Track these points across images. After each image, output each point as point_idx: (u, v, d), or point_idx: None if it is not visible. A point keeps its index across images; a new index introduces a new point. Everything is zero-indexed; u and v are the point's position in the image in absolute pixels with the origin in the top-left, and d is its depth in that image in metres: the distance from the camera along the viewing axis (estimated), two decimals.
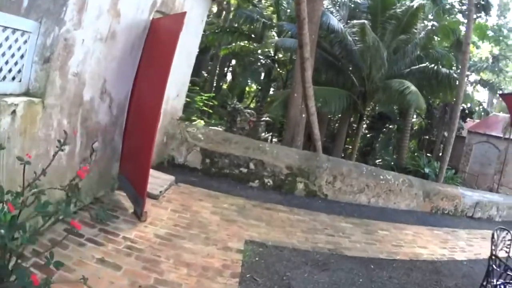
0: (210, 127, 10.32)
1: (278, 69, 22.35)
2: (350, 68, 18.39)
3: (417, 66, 18.13)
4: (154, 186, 7.10)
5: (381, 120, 28.23)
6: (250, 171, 9.38)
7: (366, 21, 16.21)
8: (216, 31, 19.20)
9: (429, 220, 10.03)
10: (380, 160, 26.61)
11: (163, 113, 8.40)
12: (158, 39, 6.39)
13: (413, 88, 15.40)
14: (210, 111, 23.66)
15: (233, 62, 33.56)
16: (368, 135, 30.46)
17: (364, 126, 26.63)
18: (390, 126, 30.54)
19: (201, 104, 24.30)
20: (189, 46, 9.36)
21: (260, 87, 31.04)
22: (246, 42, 20.76)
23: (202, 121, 17.49)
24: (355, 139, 20.54)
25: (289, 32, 19.43)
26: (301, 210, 8.23)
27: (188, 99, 24.07)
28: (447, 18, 20.92)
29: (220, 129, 16.52)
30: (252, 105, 35.75)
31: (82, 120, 5.51)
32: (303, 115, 12.33)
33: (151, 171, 7.37)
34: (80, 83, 5.23)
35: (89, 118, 5.68)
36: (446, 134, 22.52)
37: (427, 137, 30.93)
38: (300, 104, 12.28)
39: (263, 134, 23.93)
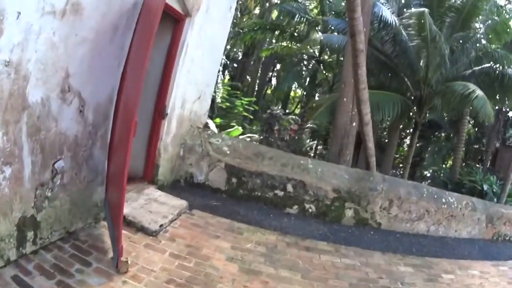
0: (240, 137, 8.15)
1: (324, 72, 20.07)
2: (404, 69, 15.83)
3: (480, 67, 15.47)
4: (155, 216, 5.40)
5: (431, 128, 25.33)
6: (288, 195, 7.39)
7: (426, 9, 13.58)
8: (255, 28, 17.04)
9: (492, 251, 8.03)
10: (429, 172, 23.75)
11: (179, 120, 6.77)
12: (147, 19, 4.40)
13: (479, 92, 13.01)
14: (251, 116, 21.72)
15: (278, 66, 31.45)
16: (417, 144, 27.54)
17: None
18: (438, 135, 27.61)
19: (241, 109, 22.49)
20: (213, 37, 7.50)
21: (304, 92, 28.83)
22: (288, 42, 18.51)
23: (240, 128, 15.41)
24: (409, 150, 17.82)
25: (335, 30, 17.11)
26: (349, 249, 6.22)
27: (228, 104, 22.38)
28: (499, 14, 17.71)
29: (254, 138, 14.35)
30: (296, 111, 33.58)
31: (31, 131, 3.75)
32: (353, 124, 10.11)
33: (158, 195, 6.07)
34: (19, 76, 3.34)
35: (43, 127, 3.92)
36: (497, 144, 19.63)
37: (476, 146, 27.72)
38: (350, 111, 10.06)
39: (308, 141, 21.77)
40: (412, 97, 15.97)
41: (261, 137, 11.07)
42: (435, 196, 8.14)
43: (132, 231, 5.07)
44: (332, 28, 17.72)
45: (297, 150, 12.94)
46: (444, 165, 24.85)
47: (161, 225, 5.22)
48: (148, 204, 5.72)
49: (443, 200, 8.15)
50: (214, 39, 7.54)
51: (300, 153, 13.51)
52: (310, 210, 7.38)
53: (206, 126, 8.20)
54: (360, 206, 7.53)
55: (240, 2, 24.59)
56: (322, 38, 17.24)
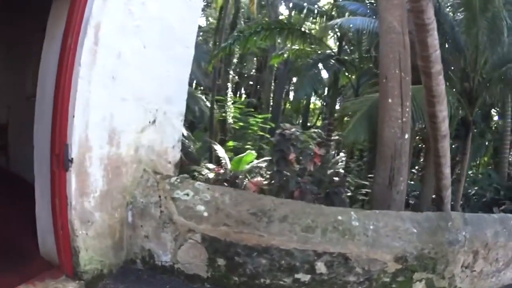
0: (224, 188, 4.43)
1: (347, 74, 16.29)
2: (446, 55, 11.72)
3: None
4: None
5: (464, 125, 20.92)
6: (319, 279, 4.02)
7: None
8: (257, 30, 13.38)
9: None
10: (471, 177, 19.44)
11: (108, 165, 3.85)
12: None
13: None
14: (268, 135, 18.40)
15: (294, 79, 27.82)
16: (452, 146, 23.12)
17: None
18: (473, 132, 23.24)
19: (257, 128, 19.07)
20: (164, 18, 4.34)
21: (324, 101, 25.17)
22: (299, 42, 14.84)
23: (253, 152, 11.93)
24: (462, 161, 13.52)
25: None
26: None
27: (242, 123, 18.98)
28: None
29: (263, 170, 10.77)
30: (318, 123, 29.86)
31: None
32: (406, 136, 6.25)
33: None
34: None
35: None
36: None
37: None
38: (400, 116, 6.16)
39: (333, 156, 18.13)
40: (460, 89, 12.04)
41: (271, 172, 7.31)
42: None
43: None
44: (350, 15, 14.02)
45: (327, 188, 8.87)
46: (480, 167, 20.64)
47: None
48: None
49: None
50: (168, 22, 4.34)
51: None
52: None
53: (177, 166, 4.76)
54: (435, 273, 4.32)
55: (243, 10, 21.11)
56: (341, 22, 13.39)
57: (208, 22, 25.47)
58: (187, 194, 4.17)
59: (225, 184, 8.65)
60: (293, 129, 6.87)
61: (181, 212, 4.05)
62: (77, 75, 3.36)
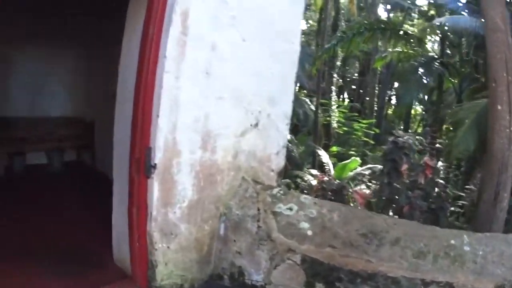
0: (333, 203, 3.40)
1: (449, 78, 14.26)
2: None
3: None
4: None
5: None
6: None
7: None
8: (361, 30, 12.00)
9: None
10: None
11: (199, 173, 3.08)
12: None
13: None
14: (372, 142, 16.93)
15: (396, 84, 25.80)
16: None
17: None
18: None
19: (361, 133, 17.66)
20: (265, 7, 3.46)
21: (424, 107, 22.99)
22: (402, 44, 13.16)
23: (357, 159, 10.78)
24: None
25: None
26: None
27: (346, 128, 17.66)
28: None
29: (377, 169, 9.44)
30: (419, 130, 27.49)
31: None
32: None
33: None
34: None
35: None
36: None
37: None
38: (508, 125, 4.79)
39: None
40: None
41: (380, 183, 6.17)
42: None
43: None
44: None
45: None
46: None
47: None
48: None
49: None
50: (267, 14, 3.49)
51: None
52: None
53: (280, 175, 3.92)
54: None
55: (343, 11, 19.61)
56: (443, 22, 11.64)
57: (308, 25, 24.16)
58: (290, 209, 3.31)
59: (330, 194, 7.61)
60: (406, 137, 5.68)
61: (282, 229, 3.22)
62: (162, 69, 2.65)
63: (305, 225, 3.20)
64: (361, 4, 20.54)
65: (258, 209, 3.33)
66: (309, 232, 3.16)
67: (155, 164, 2.71)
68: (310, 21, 23.68)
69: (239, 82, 3.24)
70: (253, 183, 3.55)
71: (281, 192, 3.51)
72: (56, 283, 3.01)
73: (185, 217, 3.04)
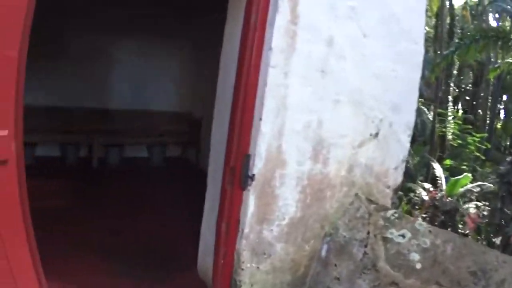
0: (448, 233, 2.46)
1: None
2: None
3: None
4: None
5: None
6: None
7: None
8: (476, 38, 10.23)
9: None
10: None
11: (306, 187, 2.32)
12: None
13: None
14: (483, 157, 14.88)
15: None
16: None
17: None
18: None
19: (474, 148, 15.53)
20: (388, 3, 2.61)
21: None
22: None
23: (469, 175, 9.33)
24: None
25: None
26: None
27: (460, 141, 15.66)
28: None
29: (486, 187, 7.92)
30: None
31: None
32: None
33: None
34: None
35: None
36: None
37: None
38: None
39: None
40: None
41: (492, 209, 5.00)
42: None
43: None
44: None
45: None
46: None
47: None
48: None
49: None
50: (390, 9, 2.70)
51: None
52: None
53: (396, 192, 3.06)
54: None
55: (457, 17, 17.34)
56: None
57: (425, 31, 21.78)
58: (403, 236, 2.54)
59: (439, 212, 6.49)
60: None
61: (390, 259, 2.49)
62: (267, 63, 2.03)
63: (415, 256, 2.42)
64: (473, 12, 18.13)
65: (368, 233, 2.62)
66: (418, 265, 2.40)
67: (253, 174, 2.11)
68: (427, 27, 21.45)
69: (359, 84, 2.51)
70: (366, 202, 2.80)
71: (396, 215, 2.73)
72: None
73: (283, 236, 2.40)
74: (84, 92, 5.45)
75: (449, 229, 6.10)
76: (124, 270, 2.74)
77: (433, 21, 16.51)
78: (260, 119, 2.05)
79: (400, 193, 7.22)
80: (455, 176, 9.42)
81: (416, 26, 2.87)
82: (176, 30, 5.57)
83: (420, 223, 2.73)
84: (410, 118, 2.98)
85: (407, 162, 10.46)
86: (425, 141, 15.15)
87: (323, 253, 2.70)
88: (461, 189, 8.90)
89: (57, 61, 5.14)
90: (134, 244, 3.18)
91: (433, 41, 16.84)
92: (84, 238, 3.09)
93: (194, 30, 5.66)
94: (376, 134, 2.76)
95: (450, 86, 16.76)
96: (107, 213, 3.71)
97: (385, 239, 2.52)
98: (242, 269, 2.29)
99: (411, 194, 8.48)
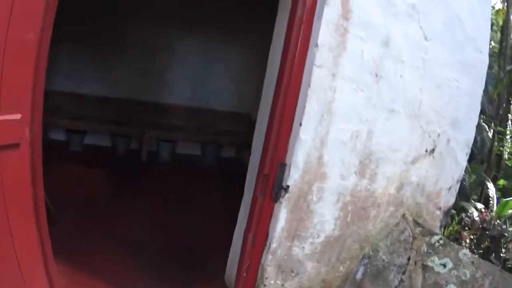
0: (490, 266, 1.90)
1: None
2: None
3: None
4: None
5: None
6: None
7: None
8: None
9: None
10: None
11: (347, 203, 1.81)
12: None
13: None
14: None
15: None
16: None
17: None
18: None
19: None
20: (451, 4, 2.05)
21: None
22: None
23: None
24: None
25: None
26: None
27: None
28: None
29: None
30: None
31: None
32: None
33: None
34: None
35: None
36: None
37: None
38: None
39: None
40: None
41: None
42: None
43: None
44: None
45: None
46: None
47: None
48: None
49: None
50: (454, 11, 2.13)
51: None
52: None
53: (446, 214, 2.50)
54: None
55: None
56: None
57: (491, 46, 19.84)
58: (444, 265, 2.13)
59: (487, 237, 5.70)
60: None
61: None
62: (312, 61, 1.59)
63: None
64: None
65: (408, 259, 2.20)
66: None
67: (288, 186, 1.70)
68: (492, 42, 19.59)
69: (417, 93, 2.03)
70: (413, 224, 2.34)
71: (441, 241, 2.26)
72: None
73: (315, 254, 1.98)
74: (141, 85, 5.10)
75: (493, 254, 5.34)
76: (148, 269, 2.42)
77: (498, 35, 15.09)
78: (300, 124, 1.64)
79: (453, 211, 6.50)
80: (507, 197, 8.46)
81: (481, 33, 2.34)
82: (241, 29, 5.00)
83: (464, 252, 2.24)
84: (469, 135, 2.46)
85: (463, 180, 9.57)
86: (483, 159, 13.80)
87: (359, 275, 2.25)
88: (510, 211, 7.99)
89: (117, 53, 4.85)
90: (166, 242, 2.84)
91: (498, 56, 15.34)
92: (115, 231, 2.79)
93: (259, 29, 4.97)
94: (432, 151, 2.26)
95: (510, 104, 15.23)
96: (146, 208, 3.36)
97: (425, 267, 2.11)
98: (265, 285, 1.89)
99: (463, 214, 7.63)
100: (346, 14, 1.70)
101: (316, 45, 1.63)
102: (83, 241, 2.57)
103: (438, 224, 2.59)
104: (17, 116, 1.33)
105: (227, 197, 3.36)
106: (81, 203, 3.15)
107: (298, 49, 1.62)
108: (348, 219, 1.99)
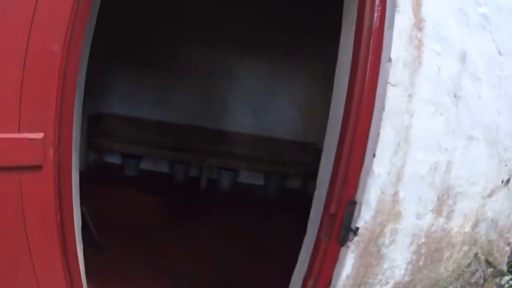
0: None
1: None
2: None
3: None
4: None
5: None
6: None
7: None
8: None
9: None
10: None
11: (421, 245, 1.16)
12: None
13: None
14: None
15: None
16: None
17: None
18: None
19: None
20: None
21: None
22: None
23: None
24: None
25: None
26: None
27: None
28: None
29: None
30: None
31: None
32: None
33: None
34: None
35: None
36: None
37: None
38: None
39: None
40: None
41: None
42: None
43: None
44: None
45: None
46: None
47: None
48: None
49: None
50: None
51: None
52: None
53: None
54: None
55: None
56: None
57: None
58: None
59: None
60: None
61: None
62: (385, 79, 1.14)
63: None
64: None
65: None
66: None
67: (357, 228, 1.24)
68: None
69: (495, 116, 1.53)
70: (485, 264, 1.79)
71: (511, 282, 1.64)
72: None
73: None
74: (201, 110, 4.56)
75: None
76: None
77: None
78: (374, 155, 1.21)
79: None
80: None
81: None
82: (306, 53, 4.38)
83: None
84: None
85: None
86: None
87: None
88: None
89: (176, 77, 4.40)
90: (215, 277, 2.36)
91: None
92: (159, 260, 2.39)
93: (326, 54, 4.04)
94: (508, 181, 1.74)
95: None
96: (197, 238, 2.88)
97: None
98: None
99: None
100: (419, 23, 1.28)
101: (389, 60, 1.21)
102: (128, 269, 2.19)
103: (506, 260, 2.03)
104: (39, 135, 1.07)
105: (288, 233, 2.72)
106: (132, 229, 2.79)
107: (368, 65, 1.20)
108: (421, 262, 1.50)
